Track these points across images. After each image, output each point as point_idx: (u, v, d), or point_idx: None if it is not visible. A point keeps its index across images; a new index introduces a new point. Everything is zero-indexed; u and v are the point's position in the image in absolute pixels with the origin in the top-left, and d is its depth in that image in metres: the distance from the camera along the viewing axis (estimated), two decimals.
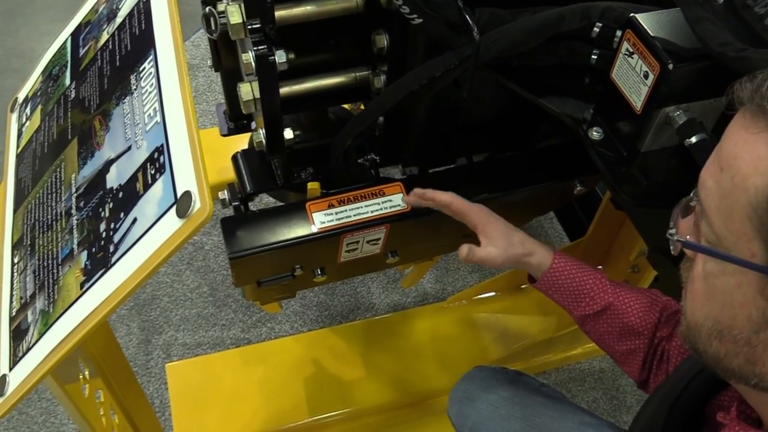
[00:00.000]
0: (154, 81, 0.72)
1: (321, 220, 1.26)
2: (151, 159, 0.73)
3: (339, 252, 1.32)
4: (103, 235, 0.76)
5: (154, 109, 0.72)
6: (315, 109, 1.37)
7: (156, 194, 0.74)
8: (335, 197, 1.29)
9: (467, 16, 1.06)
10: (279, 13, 1.09)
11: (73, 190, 0.80)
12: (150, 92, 0.72)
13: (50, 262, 0.83)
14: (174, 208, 0.71)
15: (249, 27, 1.06)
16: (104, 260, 0.76)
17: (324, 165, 1.36)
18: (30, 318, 0.86)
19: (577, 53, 1.15)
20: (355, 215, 1.27)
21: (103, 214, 0.76)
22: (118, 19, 0.76)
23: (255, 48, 1.06)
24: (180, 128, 0.71)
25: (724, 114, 1.03)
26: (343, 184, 1.33)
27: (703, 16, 0.90)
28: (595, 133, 1.11)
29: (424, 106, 1.32)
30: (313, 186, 1.31)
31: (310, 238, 1.25)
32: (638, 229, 1.38)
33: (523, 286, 2.14)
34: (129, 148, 0.74)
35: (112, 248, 0.75)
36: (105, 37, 0.76)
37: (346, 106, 1.51)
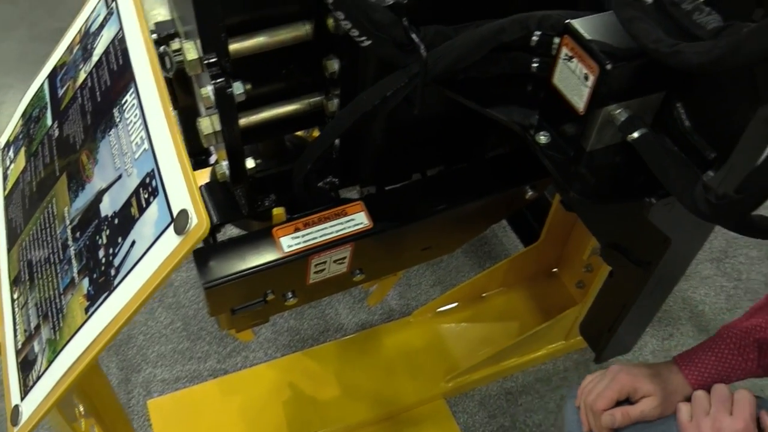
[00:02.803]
0: (137, 111, 0.70)
1: (288, 243, 1.24)
2: (143, 184, 0.72)
3: (307, 274, 1.30)
4: (103, 260, 0.74)
5: (141, 137, 0.70)
6: (273, 138, 1.36)
7: (152, 216, 0.73)
8: (300, 221, 1.27)
9: (413, 35, 1.06)
10: (233, 46, 1.07)
11: (67, 222, 0.78)
12: (134, 122, 0.71)
13: (52, 293, 0.81)
14: (172, 227, 0.70)
15: (205, 62, 1.04)
16: (107, 283, 0.75)
17: (286, 191, 1.34)
18: (37, 348, 0.85)
19: (518, 63, 1.15)
20: (321, 236, 1.25)
21: (100, 242, 0.74)
22: (95, 58, 0.74)
23: (213, 81, 1.04)
24: (168, 152, 0.70)
25: (661, 107, 1.04)
26: (307, 208, 1.31)
27: (635, 15, 0.91)
28: (542, 137, 1.11)
29: (377, 125, 1.31)
30: (278, 212, 1.29)
31: (279, 262, 1.22)
32: (589, 227, 1.39)
33: (483, 295, 2.14)
34: (119, 176, 0.73)
35: (113, 272, 0.73)
36: (83, 76, 0.74)
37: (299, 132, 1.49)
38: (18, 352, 0.89)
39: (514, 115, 1.17)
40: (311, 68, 1.25)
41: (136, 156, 0.70)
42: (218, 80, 1.04)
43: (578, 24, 0.99)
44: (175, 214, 0.69)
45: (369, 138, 1.34)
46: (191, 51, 1.04)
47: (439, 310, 2.11)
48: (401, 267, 1.65)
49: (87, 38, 0.76)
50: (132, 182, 0.70)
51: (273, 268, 1.22)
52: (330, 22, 1.19)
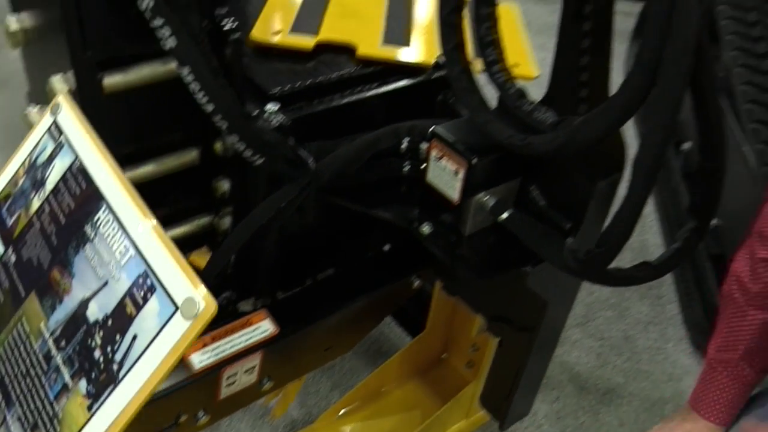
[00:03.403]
0: (114, 225, 0.74)
1: (199, 359, 1.27)
2: (135, 285, 0.74)
3: (219, 388, 1.33)
4: (101, 359, 0.74)
5: (125, 246, 0.74)
6: None
7: (153, 310, 0.75)
8: (208, 336, 1.30)
9: (300, 151, 1.18)
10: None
11: (47, 335, 0.77)
12: (113, 235, 0.75)
13: (39, 403, 0.79)
14: (179, 313, 0.73)
15: None
16: (110, 379, 0.75)
17: None
18: None
19: (392, 167, 1.31)
20: (231, 347, 1.29)
21: (93, 344, 0.75)
22: (49, 185, 0.78)
23: None
24: (158, 252, 0.73)
25: (520, 191, 1.22)
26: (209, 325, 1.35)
27: (488, 119, 1.10)
28: (425, 228, 1.26)
29: (271, 237, 1.40)
30: None
31: (192, 380, 1.25)
32: (474, 306, 1.53)
33: (382, 390, 2.20)
34: (105, 283, 0.75)
35: (115, 366, 0.74)
36: (37, 203, 0.77)
37: None
38: None
39: (397, 212, 1.31)
40: (199, 191, 1.32)
41: (122, 263, 0.74)
42: None
43: (443, 129, 1.16)
44: (179, 303, 0.73)
45: (264, 250, 1.42)
46: None
47: (341, 412, 2.14)
48: (306, 370, 1.70)
49: (34, 170, 0.80)
50: (121, 286, 0.73)
51: (186, 387, 1.25)
52: (218, 146, 1.29)
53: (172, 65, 1.12)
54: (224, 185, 1.32)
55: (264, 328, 1.35)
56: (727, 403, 1.16)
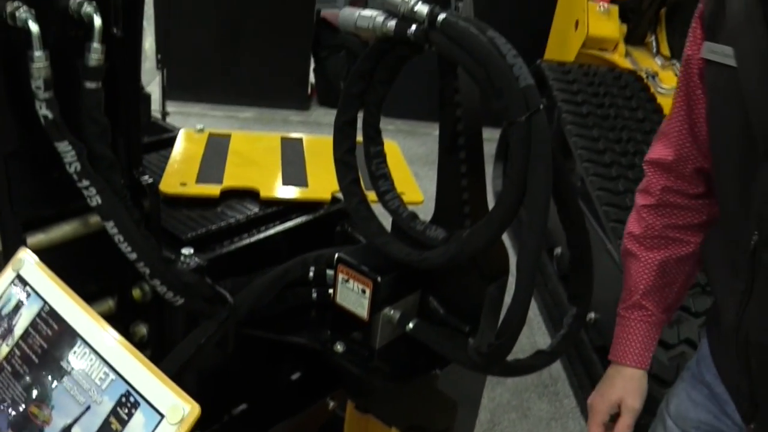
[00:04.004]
0: (92, 356, 0.78)
1: None
2: (119, 404, 0.77)
3: None
4: None
5: (104, 372, 0.78)
6: None
7: (139, 422, 0.78)
8: None
9: (218, 288, 1.28)
10: None
11: None
12: (92, 365, 0.79)
13: None
14: (165, 420, 0.76)
15: None
16: None
17: None
18: None
19: (302, 295, 1.42)
20: None
21: None
22: (18, 331, 0.81)
23: None
24: (138, 371, 0.77)
25: (421, 303, 1.36)
26: None
27: (387, 240, 1.25)
28: (338, 347, 1.36)
29: (190, 376, 1.45)
30: None
31: None
32: (387, 420, 1.62)
33: None
34: (88, 407, 0.77)
35: None
36: (6, 349, 0.80)
37: None
38: None
39: (310, 335, 1.41)
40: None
41: (103, 387, 0.78)
42: None
43: (347, 254, 1.29)
44: (165, 411, 0.78)
45: (184, 389, 1.46)
46: None
47: None
48: None
49: (1, 320, 0.85)
50: (105, 408, 0.76)
51: None
52: (137, 292, 1.36)
53: (92, 222, 1.21)
54: (142, 329, 1.37)
55: None
56: (641, 345, 1.25)
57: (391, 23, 1.04)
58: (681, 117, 1.14)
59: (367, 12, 1.07)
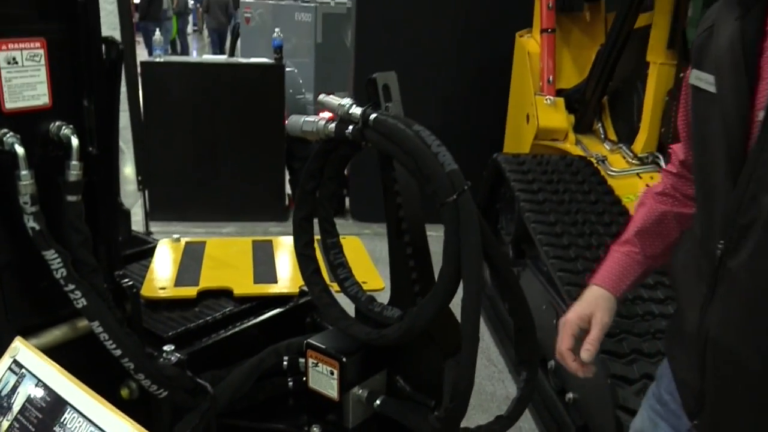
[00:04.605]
0: (80, 419, 0.87)
1: None
2: None
3: None
4: None
5: (91, 431, 0.87)
6: None
7: None
8: None
9: (199, 380, 1.38)
10: None
11: None
12: (80, 426, 0.88)
13: None
14: None
15: None
16: None
17: None
18: None
19: (278, 385, 1.52)
20: None
21: None
22: (16, 407, 0.90)
23: None
24: (119, 426, 0.86)
25: (388, 381, 1.46)
26: None
27: (349, 323, 1.37)
28: (315, 430, 1.45)
29: None
30: None
31: None
32: None
33: None
34: None
35: None
36: (6, 424, 0.88)
37: None
38: None
39: (288, 422, 1.50)
40: None
41: None
42: None
43: (314, 340, 1.41)
44: None
45: None
46: None
47: None
48: None
49: (0, 400, 0.95)
50: None
51: None
52: (125, 391, 1.45)
53: (79, 326, 1.33)
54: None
55: None
56: (618, 274, 1.32)
57: (331, 126, 1.21)
58: (683, 125, 1.26)
59: (311, 118, 1.25)
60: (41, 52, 1.16)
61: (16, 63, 1.13)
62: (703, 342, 1.10)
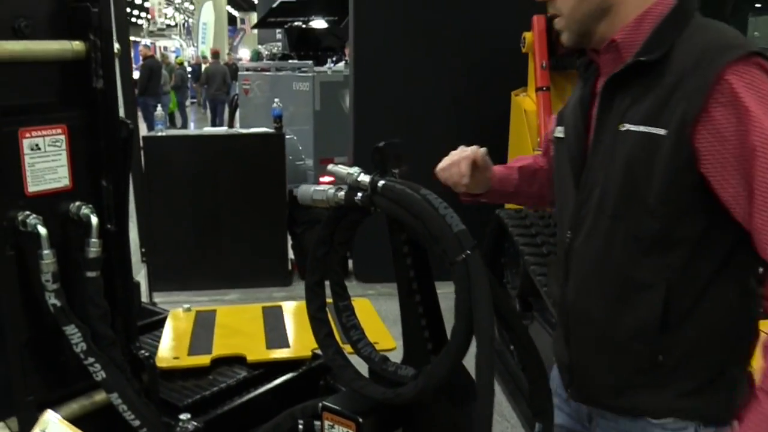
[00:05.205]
0: None
1: None
2: None
3: None
4: None
5: None
6: None
7: None
8: None
9: None
10: None
11: None
12: None
13: None
14: None
15: None
16: None
17: None
18: None
19: None
20: None
21: None
22: None
23: None
24: None
25: None
26: None
27: (364, 384, 1.38)
28: None
29: None
30: None
31: None
32: None
33: None
34: None
35: None
36: None
37: None
38: None
39: None
40: None
41: None
42: None
43: (330, 401, 1.42)
44: None
45: None
46: None
47: None
48: None
49: None
50: None
51: None
52: None
53: (97, 399, 1.34)
54: None
55: None
56: (502, 171, 1.57)
57: (341, 193, 1.26)
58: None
59: (320, 186, 1.29)
60: (63, 137, 1.22)
61: (39, 149, 1.19)
62: (566, 311, 1.34)
